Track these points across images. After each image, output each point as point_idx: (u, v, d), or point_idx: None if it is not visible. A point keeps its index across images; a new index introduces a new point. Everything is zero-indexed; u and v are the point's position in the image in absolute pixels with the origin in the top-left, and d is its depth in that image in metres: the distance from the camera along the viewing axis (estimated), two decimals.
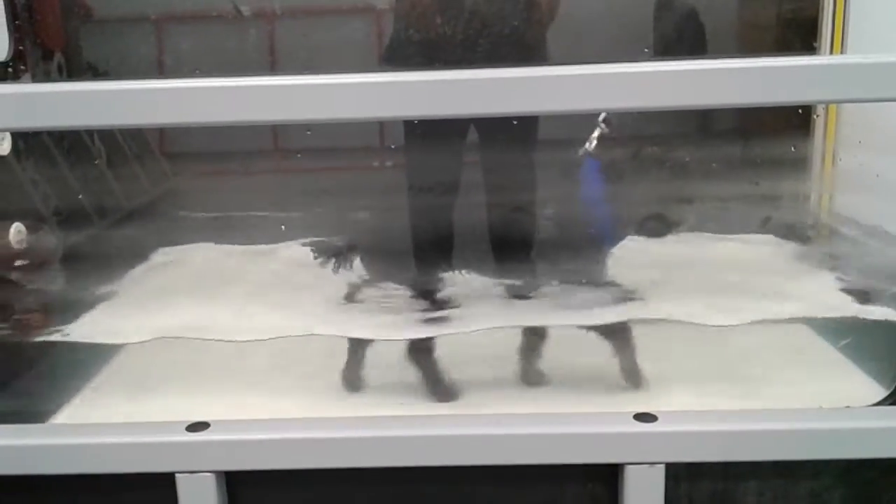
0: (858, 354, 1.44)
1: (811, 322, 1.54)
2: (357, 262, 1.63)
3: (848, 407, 1.25)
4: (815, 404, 1.26)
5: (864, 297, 1.57)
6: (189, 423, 1.21)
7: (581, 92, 1.12)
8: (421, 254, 1.70)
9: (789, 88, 1.10)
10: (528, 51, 1.74)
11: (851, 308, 1.56)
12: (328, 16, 1.98)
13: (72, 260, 1.85)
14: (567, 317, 1.53)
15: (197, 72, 1.78)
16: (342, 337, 1.52)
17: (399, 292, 1.62)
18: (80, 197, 2.03)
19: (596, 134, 1.51)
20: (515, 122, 1.61)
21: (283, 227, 1.87)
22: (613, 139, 1.53)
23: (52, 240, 1.87)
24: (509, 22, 1.70)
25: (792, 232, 1.86)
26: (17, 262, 1.71)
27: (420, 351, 1.50)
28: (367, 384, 1.47)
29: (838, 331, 1.50)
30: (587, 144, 1.52)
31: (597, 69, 1.11)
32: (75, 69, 2.01)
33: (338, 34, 1.95)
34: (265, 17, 1.94)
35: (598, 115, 1.52)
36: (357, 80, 1.12)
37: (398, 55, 1.78)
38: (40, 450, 1.20)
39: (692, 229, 1.66)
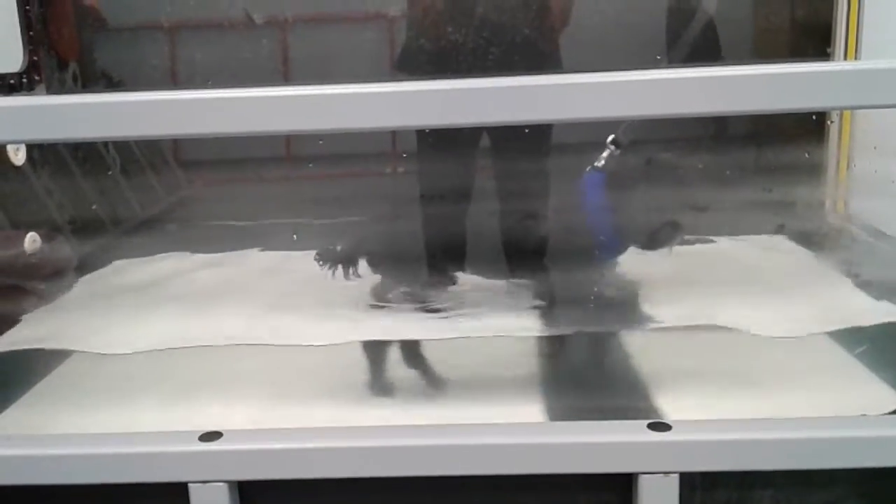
0: (875, 362, 1.43)
1: (827, 329, 1.53)
2: (363, 268, 1.63)
3: (864, 415, 1.24)
4: (830, 412, 1.25)
5: (880, 303, 1.56)
6: (202, 433, 1.22)
7: (593, 99, 1.12)
8: (433, 260, 1.70)
9: (803, 94, 1.10)
10: (540, 58, 1.74)
11: (868, 314, 1.55)
12: (340, 24, 1.99)
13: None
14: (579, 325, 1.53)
15: (210, 82, 1.78)
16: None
17: (408, 297, 1.62)
18: (94, 206, 2.05)
19: (605, 154, 1.50)
20: (528, 130, 1.61)
21: (294, 235, 1.88)
22: (626, 145, 1.53)
23: (67, 249, 1.88)
24: (521, 29, 1.70)
25: (806, 238, 1.85)
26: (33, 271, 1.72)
27: (417, 352, 1.50)
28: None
29: (854, 338, 1.49)
30: (596, 163, 1.52)
31: (609, 77, 1.11)
32: (90, 79, 2.03)
33: (350, 42, 1.95)
34: (278, 25, 1.95)
35: (609, 131, 1.52)
36: (369, 90, 1.12)
37: (410, 63, 1.78)
38: (52, 460, 1.21)
39: (706, 236, 1.65)
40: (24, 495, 1.24)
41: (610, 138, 1.51)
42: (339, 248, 1.66)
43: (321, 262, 1.65)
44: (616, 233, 1.54)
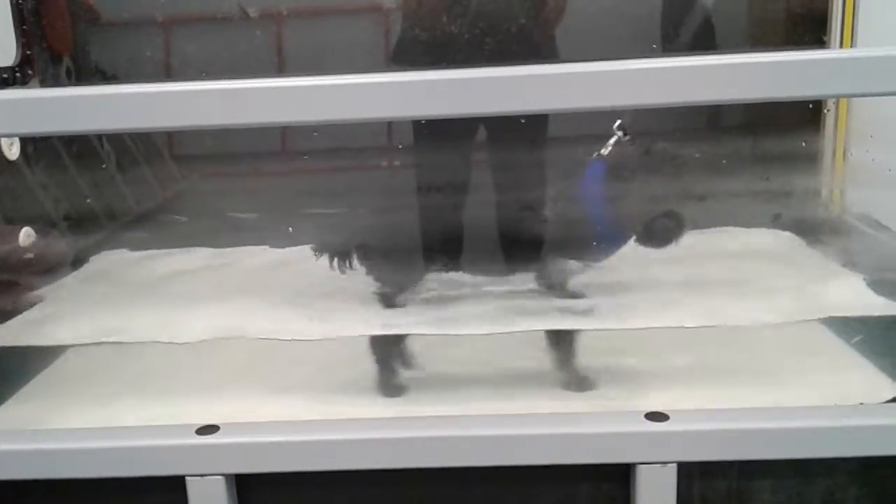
0: (872, 350, 1.43)
1: (823, 318, 1.53)
2: (358, 261, 1.62)
3: (862, 404, 1.24)
4: (828, 401, 1.25)
5: (876, 292, 1.56)
6: (199, 427, 1.21)
7: (589, 89, 1.12)
8: (429, 253, 1.70)
9: (799, 83, 1.10)
10: (536, 49, 1.74)
11: (864, 303, 1.55)
12: (335, 16, 1.98)
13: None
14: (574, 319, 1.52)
15: (204, 75, 1.78)
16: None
17: (404, 290, 1.61)
18: (89, 200, 2.04)
19: (612, 141, 1.49)
20: (524, 121, 1.60)
21: (290, 228, 1.87)
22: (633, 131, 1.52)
23: (61, 244, 1.88)
24: (517, 20, 1.70)
25: (802, 227, 1.85)
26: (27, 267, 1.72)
27: (384, 347, 1.49)
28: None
29: (851, 327, 1.49)
30: (603, 150, 1.50)
31: (605, 66, 1.10)
32: (84, 73, 2.02)
33: (345, 34, 1.94)
34: (272, 18, 1.94)
35: (614, 120, 1.50)
36: (364, 81, 1.12)
37: (406, 55, 1.77)
38: (47, 454, 1.21)
39: (702, 226, 1.65)
40: (20, 490, 1.24)
41: (617, 123, 1.50)
42: (336, 240, 1.65)
43: (318, 255, 1.64)
44: (618, 225, 1.53)
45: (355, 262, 1.61)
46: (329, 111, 1.13)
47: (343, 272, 1.60)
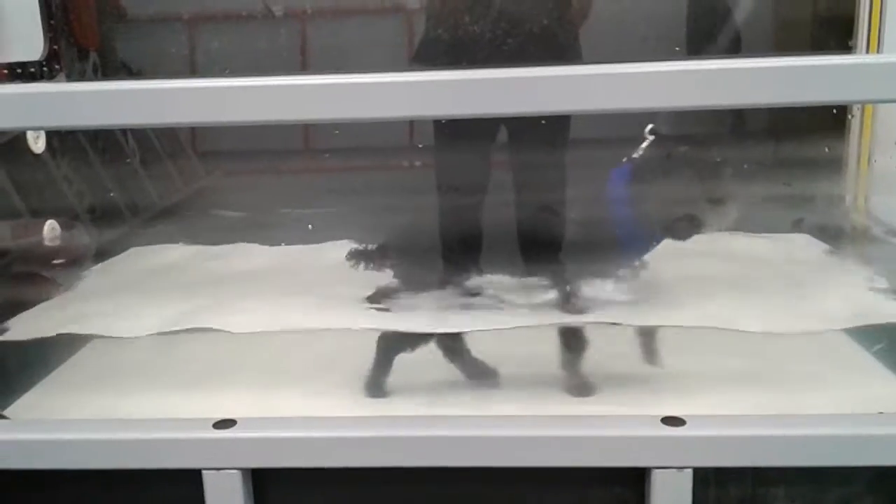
0: (892, 359, 1.42)
1: (845, 326, 1.52)
2: (389, 264, 1.63)
3: (881, 413, 1.23)
4: (846, 409, 1.24)
5: None
6: (216, 420, 1.22)
7: (612, 91, 1.11)
8: (449, 254, 1.70)
9: (824, 88, 1.09)
10: (559, 50, 1.73)
11: (886, 312, 1.53)
12: (359, 16, 1.99)
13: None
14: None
15: (227, 71, 1.79)
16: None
17: (426, 291, 1.62)
18: (112, 194, 2.06)
19: (645, 144, 1.49)
20: (545, 122, 1.60)
21: (310, 226, 1.88)
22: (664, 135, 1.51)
23: (85, 237, 1.90)
24: (540, 21, 1.69)
25: (826, 234, 1.83)
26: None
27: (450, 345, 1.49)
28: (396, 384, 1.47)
29: (872, 335, 1.48)
30: (635, 154, 1.50)
31: (628, 68, 1.10)
32: (110, 69, 2.04)
33: (368, 34, 1.95)
34: (296, 17, 1.95)
35: (636, 122, 1.50)
36: (387, 80, 1.12)
37: (428, 54, 1.77)
38: (68, 445, 1.22)
39: (723, 230, 1.64)
40: (40, 479, 1.25)
41: (649, 128, 1.50)
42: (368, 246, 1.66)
43: (353, 265, 1.64)
44: (648, 227, 1.52)
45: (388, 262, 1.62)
46: (351, 109, 1.13)
47: (378, 271, 1.61)
